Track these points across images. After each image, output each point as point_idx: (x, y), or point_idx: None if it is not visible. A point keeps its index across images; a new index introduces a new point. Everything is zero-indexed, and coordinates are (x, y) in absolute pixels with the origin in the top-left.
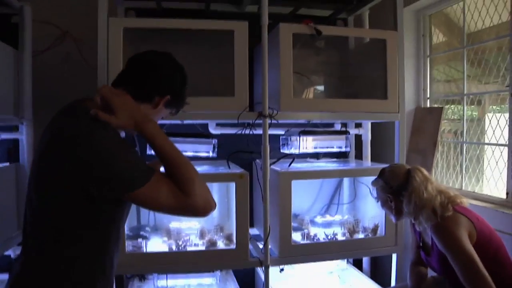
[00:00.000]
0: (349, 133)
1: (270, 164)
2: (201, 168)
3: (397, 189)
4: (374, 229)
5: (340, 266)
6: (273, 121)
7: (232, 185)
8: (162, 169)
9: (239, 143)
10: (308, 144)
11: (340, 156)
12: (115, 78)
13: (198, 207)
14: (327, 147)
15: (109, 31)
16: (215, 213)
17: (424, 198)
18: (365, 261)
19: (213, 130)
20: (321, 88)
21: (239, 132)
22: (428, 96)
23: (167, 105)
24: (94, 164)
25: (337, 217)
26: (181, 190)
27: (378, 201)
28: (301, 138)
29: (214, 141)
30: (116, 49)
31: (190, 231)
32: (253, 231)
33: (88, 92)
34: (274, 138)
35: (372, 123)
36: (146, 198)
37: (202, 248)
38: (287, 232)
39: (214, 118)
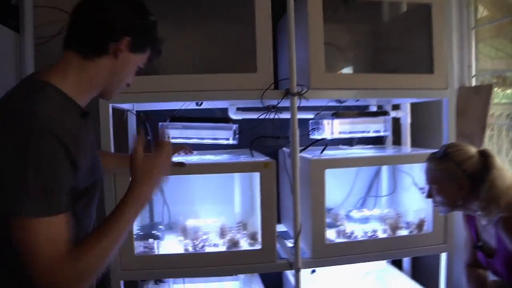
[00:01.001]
0: (389, 115)
1: (299, 151)
2: (220, 157)
3: (473, 174)
4: (420, 225)
5: (378, 266)
6: (302, 101)
7: (256, 176)
8: None
9: (262, 130)
10: (342, 128)
11: (375, 142)
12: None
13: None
14: (363, 132)
15: None
16: (237, 209)
17: (505, 186)
18: (406, 260)
19: (234, 116)
20: (355, 62)
21: (262, 116)
22: (474, 73)
23: (132, 48)
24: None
25: (376, 211)
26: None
27: (426, 191)
28: (334, 121)
29: (235, 126)
30: None
31: (209, 229)
32: (279, 227)
33: None
34: (302, 123)
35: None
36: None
37: (223, 249)
38: (321, 229)
39: (234, 97)
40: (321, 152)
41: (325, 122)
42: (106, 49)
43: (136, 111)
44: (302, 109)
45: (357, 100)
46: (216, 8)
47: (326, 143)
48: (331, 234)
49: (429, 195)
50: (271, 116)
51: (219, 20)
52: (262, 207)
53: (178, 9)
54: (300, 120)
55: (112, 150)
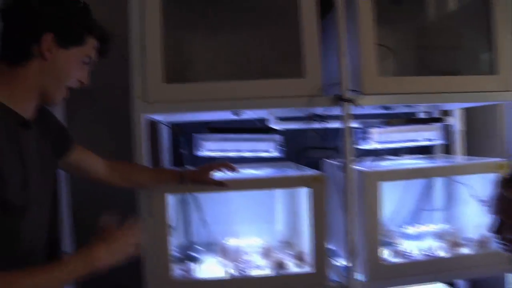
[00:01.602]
0: (444, 121)
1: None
2: (262, 171)
3: None
4: (482, 242)
5: (432, 286)
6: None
7: (300, 191)
8: None
9: (303, 141)
10: (391, 137)
11: (422, 151)
12: None
13: None
14: (413, 140)
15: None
16: (279, 227)
17: None
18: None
19: (274, 126)
20: (407, 64)
21: (306, 126)
22: None
23: (61, 43)
24: None
25: (431, 227)
26: None
27: (493, 224)
28: (385, 129)
29: (278, 137)
30: (152, 23)
31: (251, 249)
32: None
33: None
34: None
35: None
36: None
37: (268, 271)
38: (376, 248)
39: (279, 105)
40: (373, 163)
41: (374, 130)
42: (29, 51)
43: (169, 122)
44: (342, 117)
45: (409, 106)
46: (255, 10)
47: (377, 153)
48: (385, 253)
49: (497, 230)
50: (317, 125)
51: (259, 23)
52: (312, 225)
53: (213, 13)
54: (340, 130)
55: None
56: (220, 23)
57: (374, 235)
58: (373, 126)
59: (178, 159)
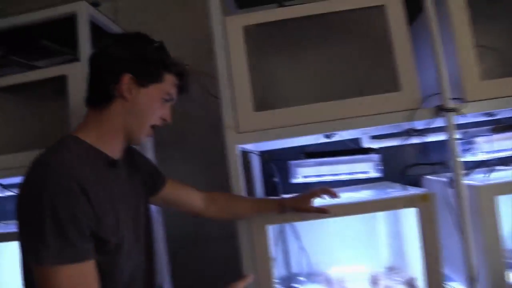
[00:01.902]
0: None
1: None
2: (362, 194)
3: None
4: None
5: None
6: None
7: (403, 212)
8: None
9: (401, 157)
10: (501, 145)
11: None
12: None
13: None
14: None
15: (228, 34)
16: (383, 251)
17: None
18: None
19: (371, 145)
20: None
21: (404, 142)
22: None
23: (140, 82)
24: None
25: None
26: None
27: None
28: (491, 137)
29: (376, 156)
30: (237, 55)
31: (356, 277)
32: None
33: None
34: (441, 146)
35: None
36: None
37: None
38: (500, 272)
39: (375, 123)
40: (487, 175)
41: (480, 139)
42: (110, 93)
43: (259, 151)
44: (437, 130)
45: None
46: (338, 27)
47: (485, 165)
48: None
49: None
50: (415, 140)
51: (343, 39)
52: (423, 248)
53: (295, 35)
54: (445, 142)
55: (246, 194)
56: (304, 44)
57: (497, 256)
58: (477, 135)
59: (270, 188)
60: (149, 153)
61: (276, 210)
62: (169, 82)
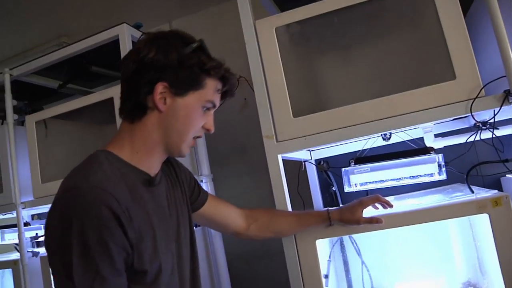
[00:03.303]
0: None
1: None
2: (424, 199)
3: None
4: None
5: None
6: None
7: (480, 219)
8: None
9: (472, 156)
10: None
11: None
12: None
13: None
14: None
15: (259, 37)
16: (460, 266)
17: None
18: None
19: (432, 145)
20: None
21: (472, 137)
22: None
23: (177, 91)
24: None
25: None
26: None
27: None
28: None
29: (439, 156)
30: (271, 58)
31: None
32: None
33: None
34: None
35: None
36: None
37: None
38: None
39: (431, 118)
40: None
41: None
42: (143, 104)
43: (315, 160)
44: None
45: None
46: (384, 17)
47: None
48: None
49: None
50: (484, 135)
51: (391, 30)
52: (500, 261)
53: (339, 31)
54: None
55: (290, 207)
56: (349, 40)
57: None
58: None
59: (328, 198)
60: (204, 167)
61: (322, 224)
62: (210, 88)
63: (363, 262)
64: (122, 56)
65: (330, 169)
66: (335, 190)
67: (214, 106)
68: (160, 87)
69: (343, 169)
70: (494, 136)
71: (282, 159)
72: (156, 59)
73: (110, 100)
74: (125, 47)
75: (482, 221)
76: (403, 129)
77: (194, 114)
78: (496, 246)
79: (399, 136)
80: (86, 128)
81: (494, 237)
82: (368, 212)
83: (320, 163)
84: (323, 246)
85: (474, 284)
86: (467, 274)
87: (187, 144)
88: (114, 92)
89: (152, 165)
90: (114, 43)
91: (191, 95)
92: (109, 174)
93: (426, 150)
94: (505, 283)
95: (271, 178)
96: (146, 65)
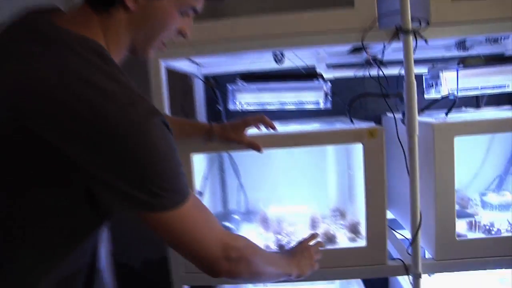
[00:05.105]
0: None
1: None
2: (308, 127)
3: None
4: None
5: None
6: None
7: (355, 149)
8: None
9: (358, 91)
10: (468, 83)
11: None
12: None
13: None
14: (497, 87)
15: None
16: (331, 193)
17: None
18: None
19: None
20: None
21: (361, 72)
22: None
23: None
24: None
25: None
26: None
27: None
28: (460, 72)
29: (327, 84)
30: None
31: (296, 219)
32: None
33: None
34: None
35: None
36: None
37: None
38: (449, 220)
39: (325, 42)
40: (447, 113)
41: (447, 74)
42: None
43: (204, 76)
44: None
45: (492, 43)
46: None
47: (454, 101)
48: (460, 226)
49: None
50: (374, 73)
51: None
52: (367, 189)
53: None
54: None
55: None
56: None
57: (448, 203)
58: (444, 69)
59: (215, 117)
60: None
61: (203, 136)
62: None
63: (240, 183)
64: None
65: (218, 87)
66: (220, 109)
67: (195, 11)
68: None
69: (229, 86)
70: (380, 71)
71: (167, 70)
72: None
73: None
74: None
75: (357, 151)
76: (295, 49)
77: (169, 20)
78: (364, 175)
79: (292, 62)
80: None
81: (365, 167)
82: (251, 132)
83: (208, 80)
84: (199, 162)
85: (341, 210)
86: (337, 201)
87: (154, 48)
88: None
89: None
90: None
91: None
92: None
93: (314, 75)
94: (367, 209)
95: (152, 86)
96: None
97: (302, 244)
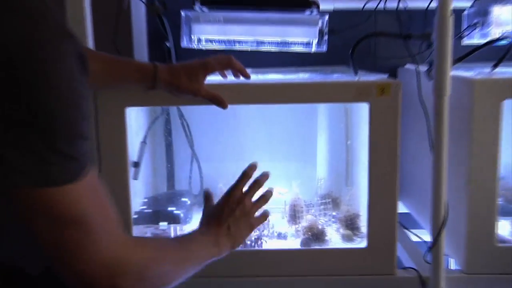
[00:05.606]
0: None
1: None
2: (294, 76)
3: None
4: None
5: None
6: None
7: (357, 111)
8: None
9: (361, 31)
10: None
11: None
12: None
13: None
14: None
15: None
16: (321, 172)
17: None
18: None
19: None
20: None
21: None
22: None
23: None
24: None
25: None
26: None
27: None
28: None
29: (323, 18)
30: None
31: (271, 206)
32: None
33: None
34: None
35: None
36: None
37: (296, 245)
38: (488, 219)
39: None
40: (495, 65)
41: (499, 10)
42: None
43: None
44: None
45: None
46: None
47: (508, 49)
48: (504, 228)
49: None
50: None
51: None
52: (372, 169)
53: None
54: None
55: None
56: None
57: (487, 194)
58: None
59: (161, 57)
60: None
61: (142, 83)
62: None
63: (193, 152)
64: None
65: (167, 15)
66: (169, 47)
67: None
68: None
69: (183, 12)
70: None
71: None
72: None
73: None
74: None
75: (361, 113)
76: None
77: None
78: (370, 148)
79: None
80: None
81: (370, 137)
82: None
83: (153, 3)
84: (136, 120)
85: (334, 197)
86: (328, 184)
87: None
88: None
89: None
90: None
91: None
92: None
93: (307, 3)
94: (370, 197)
95: (68, 6)
96: None
97: (229, 197)
